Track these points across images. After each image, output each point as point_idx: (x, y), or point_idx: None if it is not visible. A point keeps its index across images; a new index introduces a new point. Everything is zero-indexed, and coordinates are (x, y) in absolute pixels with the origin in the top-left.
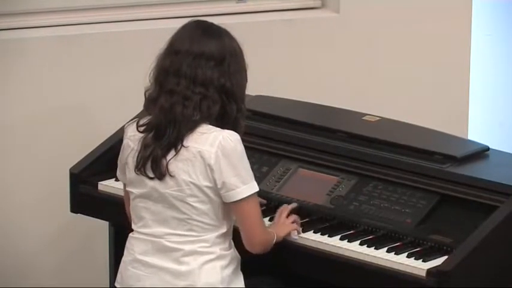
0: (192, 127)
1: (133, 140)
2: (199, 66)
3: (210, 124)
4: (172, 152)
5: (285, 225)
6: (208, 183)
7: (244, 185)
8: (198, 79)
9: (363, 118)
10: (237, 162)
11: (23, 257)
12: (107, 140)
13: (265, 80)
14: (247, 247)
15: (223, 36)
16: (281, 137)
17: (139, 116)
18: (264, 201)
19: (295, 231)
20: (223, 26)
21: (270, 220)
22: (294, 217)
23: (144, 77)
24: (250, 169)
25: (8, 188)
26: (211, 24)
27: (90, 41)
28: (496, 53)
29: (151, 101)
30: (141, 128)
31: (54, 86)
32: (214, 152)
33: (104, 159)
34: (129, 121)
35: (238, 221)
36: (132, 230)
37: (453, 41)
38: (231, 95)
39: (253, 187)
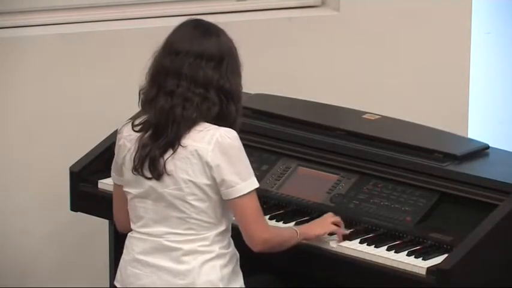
0: (190, 126)
1: (129, 140)
2: (200, 67)
3: (208, 122)
4: (170, 151)
5: (322, 224)
6: (206, 181)
7: (244, 182)
8: (199, 80)
9: (363, 116)
10: (235, 159)
11: (23, 255)
12: (107, 138)
13: (265, 78)
14: (249, 245)
15: (221, 36)
16: (281, 135)
17: (133, 118)
18: None
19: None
20: (222, 25)
21: (270, 219)
22: (337, 219)
23: (143, 76)
24: (249, 165)
25: (8, 187)
26: (209, 23)
27: (90, 39)
28: (496, 51)
29: (148, 101)
30: (137, 128)
31: (54, 84)
32: (212, 150)
33: (104, 158)
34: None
35: (238, 219)
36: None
37: (453, 39)
38: (229, 96)
39: (253, 183)
